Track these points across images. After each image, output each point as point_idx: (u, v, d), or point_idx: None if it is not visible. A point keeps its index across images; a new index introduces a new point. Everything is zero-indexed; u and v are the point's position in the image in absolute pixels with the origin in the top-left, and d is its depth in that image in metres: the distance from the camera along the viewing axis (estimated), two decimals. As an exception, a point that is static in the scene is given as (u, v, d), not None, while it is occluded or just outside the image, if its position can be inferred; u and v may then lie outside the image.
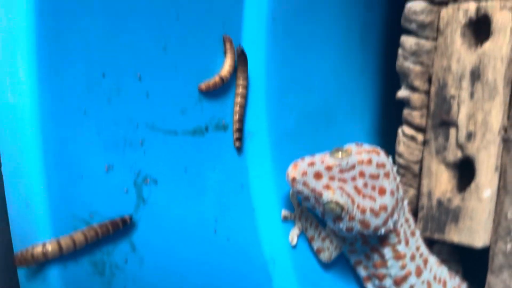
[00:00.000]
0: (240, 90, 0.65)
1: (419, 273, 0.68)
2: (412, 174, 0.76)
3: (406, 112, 0.76)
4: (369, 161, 0.62)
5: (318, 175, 0.60)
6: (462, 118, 0.69)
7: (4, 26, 0.48)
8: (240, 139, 0.66)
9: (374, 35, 0.87)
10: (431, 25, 0.72)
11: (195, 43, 0.61)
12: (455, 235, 0.70)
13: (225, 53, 0.64)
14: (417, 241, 0.69)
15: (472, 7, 0.69)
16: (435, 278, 0.70)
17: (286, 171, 0.61)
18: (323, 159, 0.61)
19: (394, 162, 0.75)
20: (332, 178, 0.60)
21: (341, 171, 0.61)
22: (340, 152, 0.62)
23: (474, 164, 0.69)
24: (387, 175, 0.62)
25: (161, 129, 0.58)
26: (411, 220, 0.69)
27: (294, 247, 0.69)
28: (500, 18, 0.67)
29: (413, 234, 0.68)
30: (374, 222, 0.61)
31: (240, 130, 0.66)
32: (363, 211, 0.60)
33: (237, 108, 0.65)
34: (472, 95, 0.69)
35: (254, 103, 0.68)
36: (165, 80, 0.58)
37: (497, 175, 0.69)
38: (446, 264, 0.76)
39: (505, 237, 0.68)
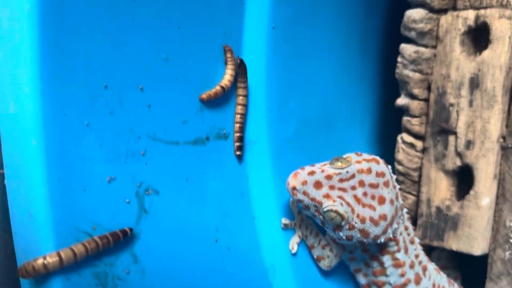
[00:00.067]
0: (240, 99, 0.65)
1: (418, 281, 0.68)
2: (411, 182, 0.77)
3: (405, 119, 0.76)
4: (369, 170, 0.62)
5: (318, 184, 0.60)
6: (461, 126, 0.70)
7: (7, 37, 0.48)
8: (241, 148, 0.66)
9: (374, 42, 0.87)
10: (430, 33, 0.72)
11: (196, 53, 0.61)
12: (454, 243, 0.71)
13: (225, 62, 0.64)
14: (416, 249, 0.69)
15: (471, 15, 0.69)
16: (434, 285, 0.70)
17: (286, 180, 0.62)
18: (323, 168, 0.62)
19: (394, 169, 0.75)
20: (332, 187, 0.61)
21: (341, 180, 0.61)
22: (340, 161, 0.62)
23: (473, 172, 0.69)
24: (386, 184, 0.63)
25: (163, 139, 0.58)
26: (410, 228, 0.69)
27: (295, 255, 0.69)
28: (499, 27, 0.67)
29: (412, 242, 0.69)
30: (374, 231, 0.61)
31: (241, 138, 0.66)
32: (363, 220, 0.60)
33: (237, 118, 0.66)
34: (471, 103, 0.69)
35: (254, 112, 0.68)
36: (166, 90, 0.58)
37: (495, 183, 0.69)
38: (445, 271, 0.76)
39: (503, 244, 0.69)
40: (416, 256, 0.69)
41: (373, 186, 0.62)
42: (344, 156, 0.64)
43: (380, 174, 0.62)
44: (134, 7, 0.55)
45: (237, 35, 0.66)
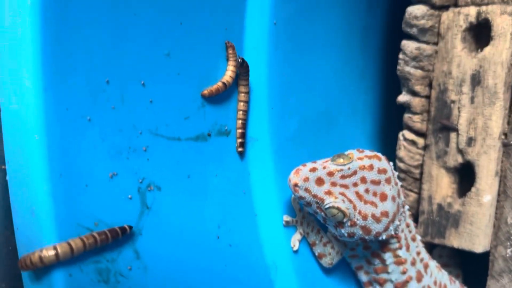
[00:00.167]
0: (242, 96, 0.65)
1: (419, 278, 0.68)
2: (413, 179, 0.77)
3: (406, 116, 0.76)
4: (371, 167, 0.62)
5: (320, 181, 0.60)
6: (462, 123, 0.70)
7: (9, 34, 0.48)
8: (243, 144, 0.66)
9: (375, 39, 0.87)
10: (431, 30, 0.72)
11: (198, 49, 0.61)
12: (455, 240, 0.71)
13: (227, 58, 0.64)
14: (417, 246, 0.69)
15: (472, 11, 0.69)
16: (435, 283, 0.70)
17: (288, 177, 0.61)
18: (324, 165, 0.61)
19: (395, 166, 0.75)
20: (333, 184, 0.60)
21: (343, 177, 0.61)
22: (341, 158, 0.62)
23: (474, 169, 0.69)
24: (388, 180, 0.63)
25: (165, 135, 0.58)
26: (412, 225, 0.69)
27: (296, 252, 0.69)
28: (500, 23, 0.67)
29: (413, 239, 0.69)
30: (376, 227, 0.61)
31: (243, 135, 0.66)
32: (365, 217, 0.60)
33: (240, 114, 0.66)
34: (472, 100, 0.69)
35: (256, 109, 0.68)
36: (168, 86, 0.58)
37: (497, 180, 0.69)
38: (447, 268, 0.76)
39: (505, 242, 0.69)
40: (418, 253, 0.69)
41: (375, 182, 0.62)
42: (346, 152, 0.64)
43: (382, 171, 0.62)
44: (136, 2, 0.55)
45: (239, 31, 0.66)
